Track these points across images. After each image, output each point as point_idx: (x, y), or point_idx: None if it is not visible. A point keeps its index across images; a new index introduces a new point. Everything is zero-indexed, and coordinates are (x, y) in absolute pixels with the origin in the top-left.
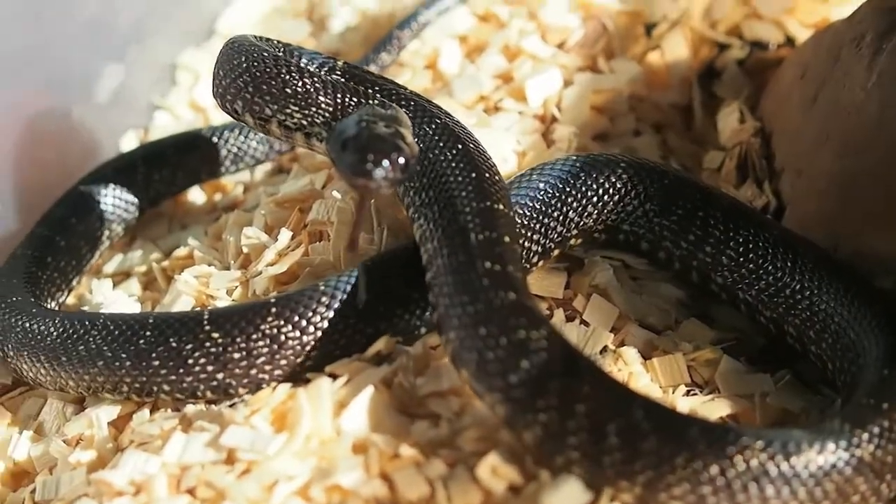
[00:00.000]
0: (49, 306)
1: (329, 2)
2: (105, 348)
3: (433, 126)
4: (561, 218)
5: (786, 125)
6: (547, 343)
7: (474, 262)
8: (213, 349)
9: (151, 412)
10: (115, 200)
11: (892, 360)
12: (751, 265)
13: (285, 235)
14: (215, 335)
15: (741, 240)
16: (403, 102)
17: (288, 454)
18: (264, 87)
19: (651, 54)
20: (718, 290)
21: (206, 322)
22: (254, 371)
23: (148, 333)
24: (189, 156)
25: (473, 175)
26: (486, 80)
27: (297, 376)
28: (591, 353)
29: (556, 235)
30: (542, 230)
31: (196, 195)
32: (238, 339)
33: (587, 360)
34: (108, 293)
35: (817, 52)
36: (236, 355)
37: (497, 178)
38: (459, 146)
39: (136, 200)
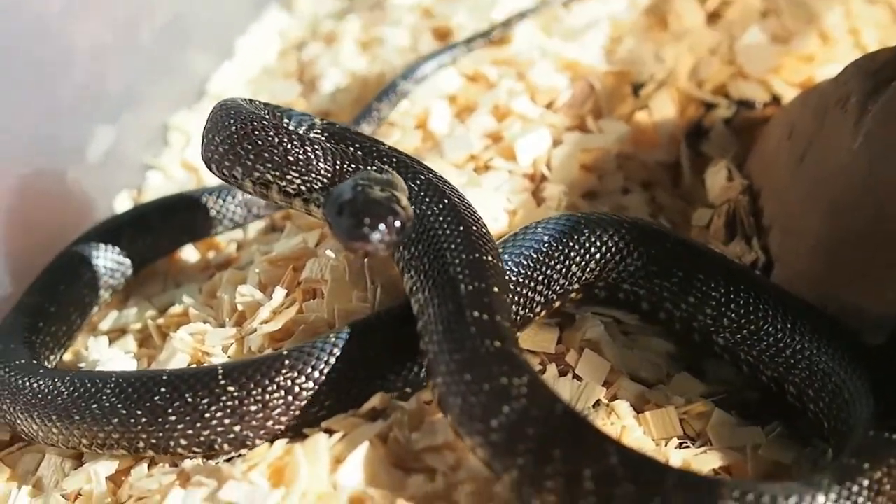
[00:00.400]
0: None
1: (319, 63)
2: (119, 406)
3: (418, 182)
4: (563, 270)
5: (773, 184)
6: (527, 390)
7: (463, 312)
8: (229, 402)
9: (149, 467)
10: (101, 266)
11: (879, 419)
12: (752, 326)
13: (280, 293)
14: (231, 388)
15: (742, 301)
16: (386, 160)
17: None
18: (266, 154)
19: (639, 114)
20: (721, 350)
21: (220, 376)
22: (270, 423)
23: (163, 389)
24: (171, 220)
25: (461, 228)
26: (476, 139)
27: (312, 425)
28: (583, 407)
29: (558, 287)
30: (545, 281)
31: (189, 253)
32: (254, 392)
33: (566, 406)
34: (105, 350)
35: (803, 112)
36: (253, 407)
37: (484, 230)
38: (445, 200)
39: (120, 267)
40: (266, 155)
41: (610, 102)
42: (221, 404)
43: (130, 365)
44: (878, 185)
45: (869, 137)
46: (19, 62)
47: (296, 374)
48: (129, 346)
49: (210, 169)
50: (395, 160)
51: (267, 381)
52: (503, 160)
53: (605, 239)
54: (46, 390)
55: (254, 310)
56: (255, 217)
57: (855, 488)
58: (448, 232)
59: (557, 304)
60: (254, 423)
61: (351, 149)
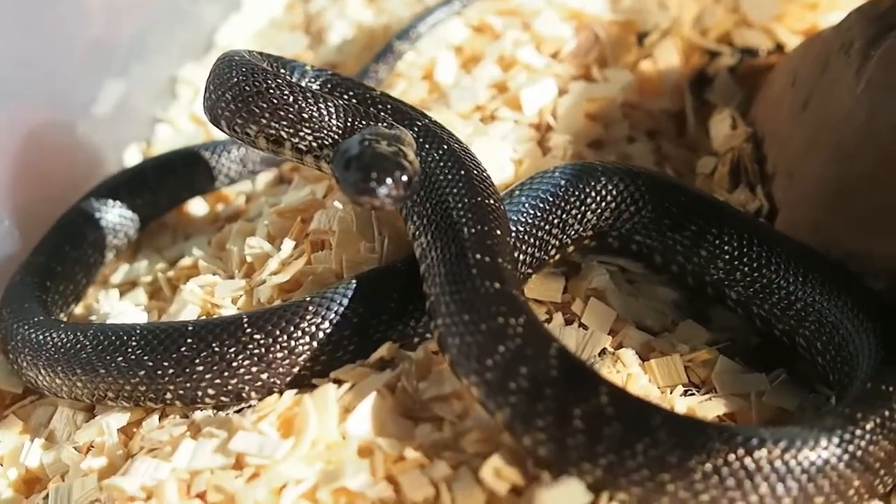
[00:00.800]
0: None
1: (326, 15)
2: (146, 358)
3: (416, 128)
4: (579, 216)
5: (777, 131)
6: (523, 330)
7: (465, 254)
8: (256, 350)
9: (160, 419)
10: (106, 225)
11: (884, 362)
12: (765, 280)
13: (288, 245)
14: (257, 336)
15: (755, 255)
16: (381, 108)
17: (295, 458)
18: (281, 112)
19: (643, 63)
20: (734, 305)
21: (246, 325)
22: (296, 369)
23: (189, 340)
24: (168, 178)
25: (462, 173)
26: (482, 90)
27: (336, 370)
28: (590, 355)
29: (572, 232)
30: (560, 225)
31: (198, 206)
32: (280, 339)
33: (560, 347)
34: (116, 303)
35: (806, 59)
36: (279, 354)
37: (485, 174)
38: (445, 147)
39: (124, 226)
40: (281, 113)
41: (615, 51)
42: (248, 352)
43: (141, 317)
44: (881, 131)
45: (871, 84)
46: (31, 17)
47: (320, 320)
48: (139, 298)
49: (218, 125)
50: (390, 108)
51: (292, 328)
52: (509, 110)
53: (622, 188)
54: (69, 344)
55: (262, 261)
56: (251, 173)
57: (847, 437)
58: (450, 177)
59: (571, 248)
60: (280, 369)
61: (353, 101)
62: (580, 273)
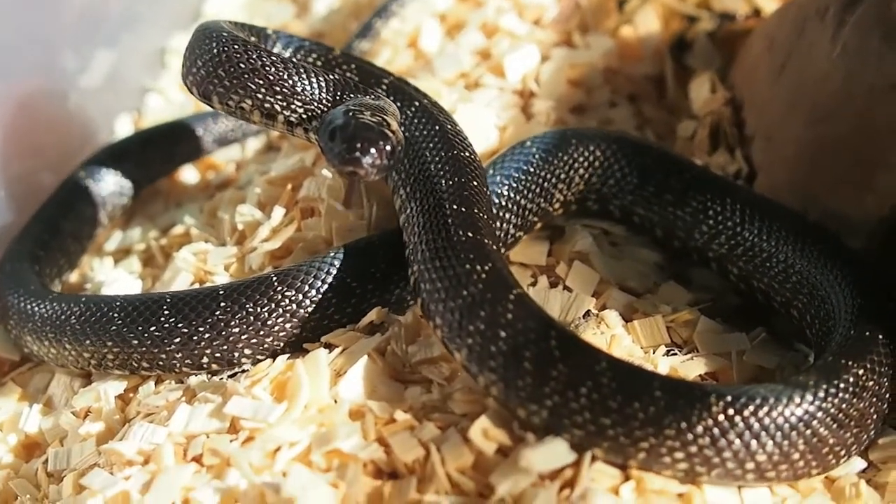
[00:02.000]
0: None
1: None
2: (180, 325)
3: (413, 108)
4: (566, 180)
5: (755, 94)
6: (486, 276)
7: (443, 205)
8: (289, 307)
9: (156, 384)
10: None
11: (860, 320)
12: (745, 242)
13: (279, 212)
14: (289, 293)
15: (736, 217)
16: (376, 83)
17: (288, 422)
18: (276, 87)
19: (624, 28)
20: (736, 280)
21: (276, 282)
22: (326, 322)
23: (223, 303)
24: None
25: (437, 128)
26: (466, 57)
27: (357, 322)
28: (574, 317)
29: (559, 196)
30: (545, 190)
31: (189, 173)
32: (310, 294)
33: (520, 292)
34: (110, 271)
35: (783, 24)
36: (311, 309)
37: (458, 128)
38: (416, 104)
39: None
40: (276, 88)
41: (595, 18)
42: (282, 310)
43: (135, 285)
44: (857, 93)
45: (847, 48)
46: None
47: (345, 274)
48: (133, 266)
49: (209, 101)
50: (386, 83)
51: (320, 283)
52: (493, 77)
53: (605, 153)
54: (100, 315)
55: (253, 229)
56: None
57: (821, 394)
58: (425, 132)
59: (558, 212)
60: (312, 323)
61: (348, 75)
62: (564, 237)
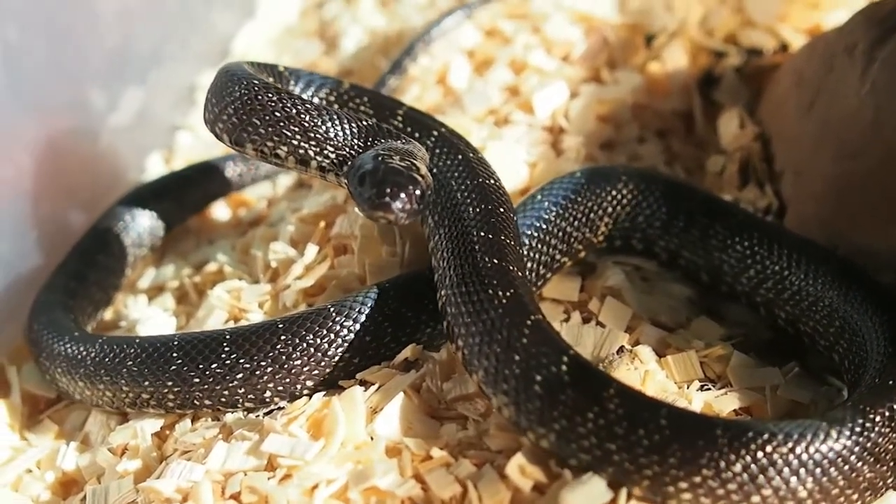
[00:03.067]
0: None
1: (340, 21)
2: (242, 361)
3: (433, 137)
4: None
5: (784, 129)
6: (506, 301)
7: (470, 231)
8: (347, 337)
9: (192, 421)
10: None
11: (893, 353)
12: (775, 276)
13: (312, 250)
14: (347, 323)
15: (764, 252)
16: (401, 119)
17: (325, 459)
18: (310, 134)
19: (652, 64)
20: (784, 322)
21: (334, 314)
22: (382, 350)
23: (283, 337)
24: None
25: (459, 157)
26: (495, 93)
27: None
28: (608, 352)
29: (589, 234)
30: (576, 228)
31: (220, 210)
32: (367, 324)
33: (538, 317)
34: (144, 309)
35: (811, 60)
36: (367, 338)
37: (480, 156)
38: (435, 132)
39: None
40: (311, 135)
41: (623, 54)
42: (341, 340)
43: (170, 322)
44: (887, 130)
45: (876, 85)
46: (50, 30)
47: (399, 304)
48: (167, 303)
49: (242, 148)
50: (401, 114)
51: (376, 313)
52: (522, 113)
53: (636, 191)
54: (159, 356)
55: (287, 266)
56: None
57: (857, 429)
58: (448, 162)
59: (583, 253)
60: (369, 352)
61: (362, 108)
62: (596, 272)
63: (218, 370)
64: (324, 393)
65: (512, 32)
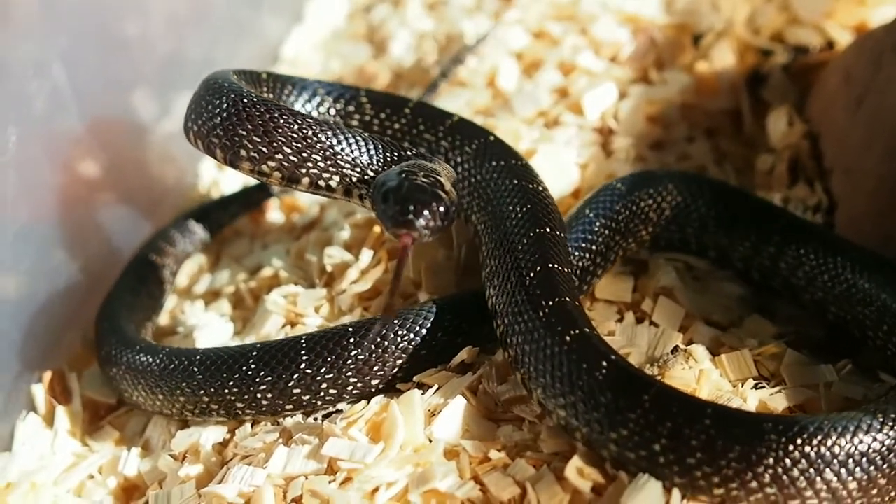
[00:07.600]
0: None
1: (388, 24)
2: (325, 367)
3: (475, 144)
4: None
5: (833, 127)
6: (554, 307)
7: (513, 236)
8: (444, 338)
9: (252, 426)
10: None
11: None
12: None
13: (367, 254)
14: (447, 324)
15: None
16: (443, 130)
17: (385, 462)
18: (331, 159)
19: (699, 63)
20: (834, 319)
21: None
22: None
23: (352, 340)
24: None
25: (502, 162)
26: (544, 95)
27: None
28: (663, 352)
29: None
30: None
31: (274, 214)
32: (463, 325)
33: (582, 323)
34: (201, 314)
35: (859, 57)
36: (459, 339)
37: (524, 161)
38: (503, 162)
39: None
40: (331, 160)
41: (671, 54)
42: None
43: (227, 328)
44: None
45: None
46: (103, 39)
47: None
48: (223, 309)
49: (260, 176)
50: (454, 126)
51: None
52: (572, 115)
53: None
54: (246, 364)
55: (342, 270)
56: None
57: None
58: (490, 165)
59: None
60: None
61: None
62: (648, 272)
63: (333, 370)
64: (382, 396)
65: (560, 34)
